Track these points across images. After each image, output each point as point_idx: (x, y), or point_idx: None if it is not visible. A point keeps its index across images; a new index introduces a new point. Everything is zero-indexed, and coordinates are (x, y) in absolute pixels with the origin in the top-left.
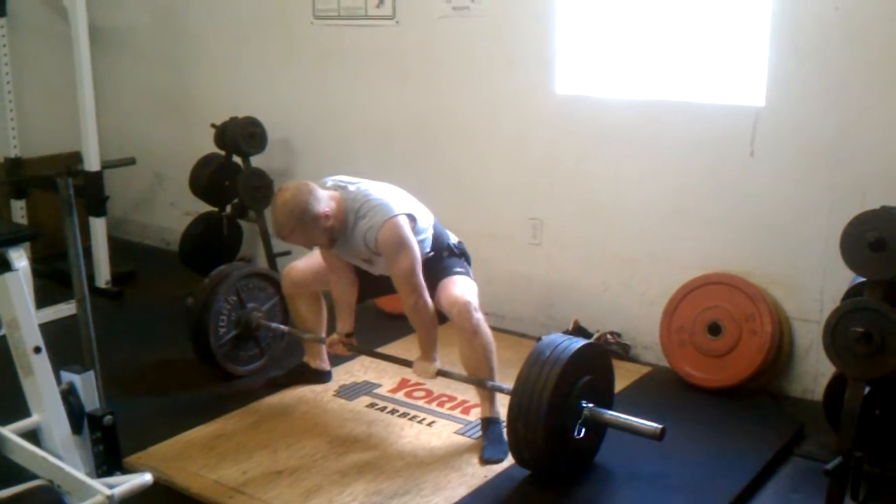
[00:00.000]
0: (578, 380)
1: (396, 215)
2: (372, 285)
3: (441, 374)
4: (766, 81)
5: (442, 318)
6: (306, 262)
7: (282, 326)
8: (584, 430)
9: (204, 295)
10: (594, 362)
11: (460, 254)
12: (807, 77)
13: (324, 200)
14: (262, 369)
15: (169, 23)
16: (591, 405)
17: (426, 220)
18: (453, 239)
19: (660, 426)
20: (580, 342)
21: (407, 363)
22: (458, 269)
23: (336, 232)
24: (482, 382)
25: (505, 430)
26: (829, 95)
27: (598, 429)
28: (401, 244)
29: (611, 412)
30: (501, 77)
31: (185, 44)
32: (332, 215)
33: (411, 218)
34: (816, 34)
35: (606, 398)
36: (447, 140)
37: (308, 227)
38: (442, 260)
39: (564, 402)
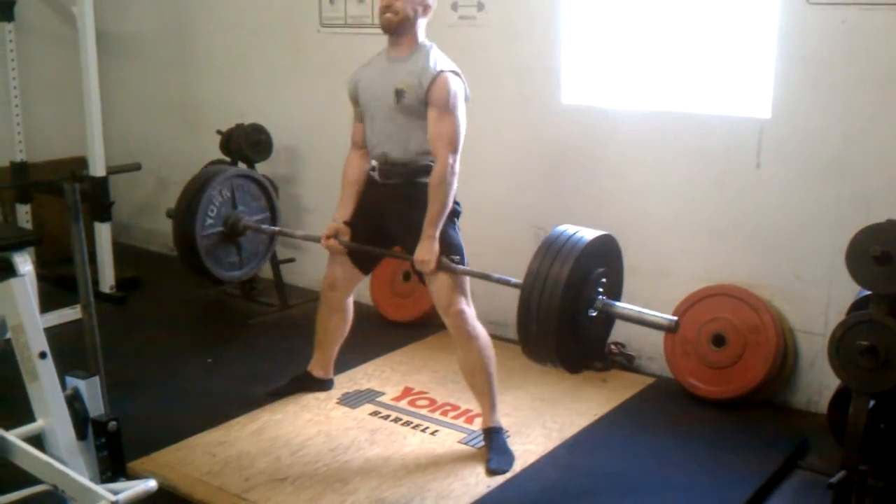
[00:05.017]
0: (592, 271)
1: (459, 76)
2: (370, 236)
3: (443, 267)
4: (772, 93)
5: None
6: (333, 268)
7: (272, 227)
8: (595, 317)
9: (200, 179)
10: (607, 254)
11: (452, 214)
12: (813, 89)
13: (434, 4)
14: (237, 282)
15: (176, 29)
16: (603, 298)
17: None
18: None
19: (674, 318)
20: (593, 233)
21: (407, 258)
22: (455, 258)
23: (407, 39)
24: (488, 276)
25: (509, 440)
26: (835, 108)
27: (608, 320)
28: (455, 100)
29: (623, 304)
30: (507, 86)
31: (191, 50)
32: (422, 23)
33: (465, 91)
34: (822, 47)
35: (616, 291)
36: None
37: None
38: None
39: (578, 295)
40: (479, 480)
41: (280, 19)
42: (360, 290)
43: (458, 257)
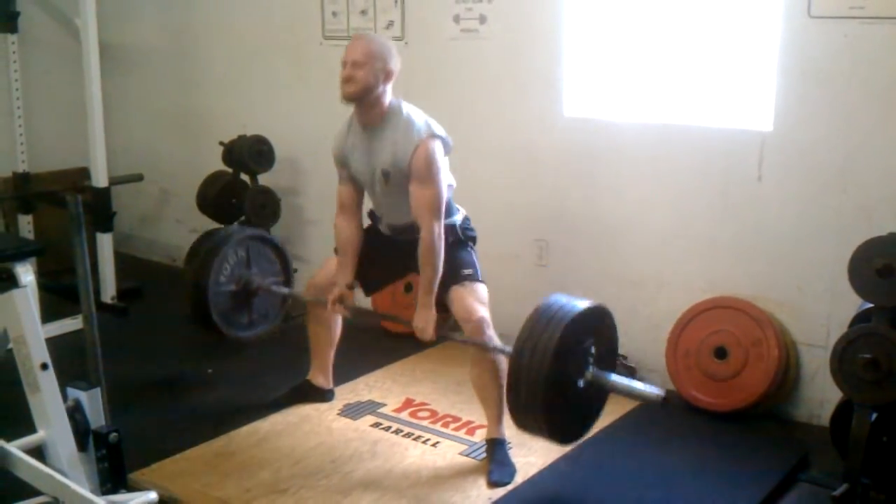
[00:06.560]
0: (583, 341)
1: (436, 136)
2: (379, 269)
3: (442, 336)
4: (773, 106)
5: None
6: (323, 273)
7: (283, 289)
8: (586, 387)
9: (217, 238)
10: (599, 324)
11: (466, 239)
12: (815, 102)
13: (396, 67)
14: (243, 344)
15: (179, 40)
16: (593, 368)
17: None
18: (459, 216)
19: (662, 392)
20: (585, 302)
21: (405, 322)
22: (467, 272)
23: (375, 108)
24: (484, 343)
25: (511, 452)
26: (837, 121)
27: (600, 392)
28: (435, 169)
29: (613, 375)
30: (509, 99)
31: (194, 61)
32: (387, 89)
33: (445, 144)
34: (825, 60)
35: (609, 362)
36: (454, 160)
37: (376, 57)
38: (450, 250)
39: (567, 363)
40: (481, 493)
41: (283, 31)
42: (362, 301)
43: (469, 271)
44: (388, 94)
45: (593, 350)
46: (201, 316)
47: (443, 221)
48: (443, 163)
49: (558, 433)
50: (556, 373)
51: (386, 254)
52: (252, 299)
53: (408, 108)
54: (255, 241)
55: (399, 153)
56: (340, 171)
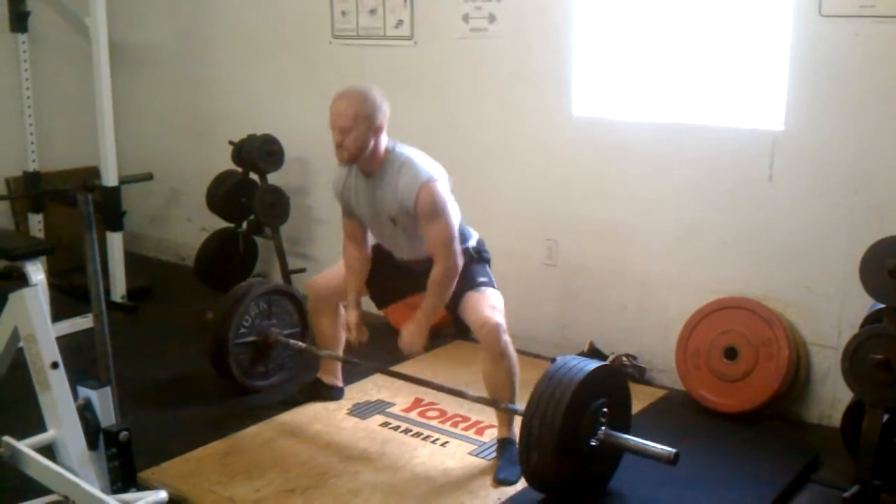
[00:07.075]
0: (593, 402)
1: (437, 179)
2: (391, 285)
3: (453, 392)
4: (784, 106)
5: (463, 330)
6: (328, 275)
7: (300, 343)
8: (598, 448)
9: (240, 291)
10: (609, 384)
11: (479, 258)
12: (826, 102)
13: (385, 119)
14: (263, 392)
15: (188, 40)
16: (605, 428)
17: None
18: (473, 240)
19: (673, 451)
20: (594, 364)
21: (424, 382)
22: (482, 280)
23: (373, 160)
24: (495, 403)
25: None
26: (848, 120)
27: (613, 452)
28: (442, 205)
29: (625, 435)
30: (518, 98)
31: (204, 61)
32: (380, 140)
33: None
34: (836, 59)
35: (622, 421)
36: (464, 160)
37: (361, 118)
38: (465, 267)
39: (578, 425)
40: (490, 493)
41: (292, 31)
42: (373, 309)
43: (485, 279)
44: (384, 142)
45: (605, 410)
46: (222, 368)
47: (459, 250)
48: (448, 198)
49: (571, 494)
50: (567, 435)
51: (397, 272)
52: (271, 351)
53: (404, 151)
54: (277, 295)
55: (403, 199)
56: (343, 207)
